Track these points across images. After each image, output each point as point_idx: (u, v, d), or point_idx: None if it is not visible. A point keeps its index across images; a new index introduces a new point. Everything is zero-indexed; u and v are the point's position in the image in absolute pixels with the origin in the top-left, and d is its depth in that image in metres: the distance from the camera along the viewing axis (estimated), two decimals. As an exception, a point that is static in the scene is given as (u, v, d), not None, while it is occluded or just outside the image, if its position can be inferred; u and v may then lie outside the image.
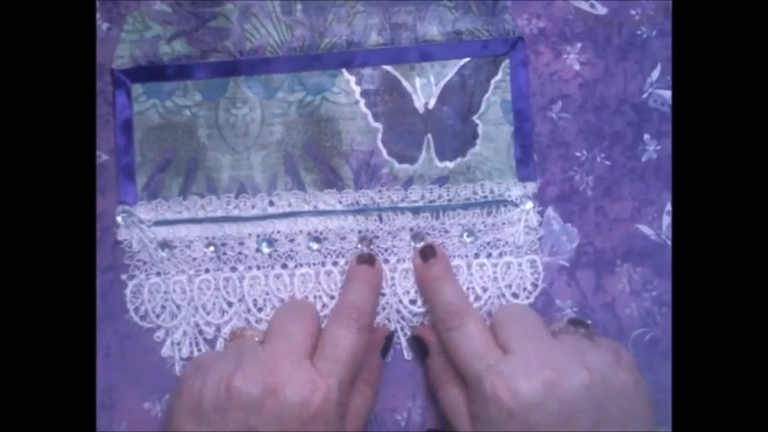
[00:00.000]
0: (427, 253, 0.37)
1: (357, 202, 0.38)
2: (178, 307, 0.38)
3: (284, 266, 0.38)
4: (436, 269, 0.37)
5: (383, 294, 0.38)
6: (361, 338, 0.35)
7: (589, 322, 0.35)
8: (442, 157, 0.39)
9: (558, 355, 0.32)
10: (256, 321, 0.38)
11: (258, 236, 0.38)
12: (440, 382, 0.36)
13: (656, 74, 0.39)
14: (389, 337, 0.37)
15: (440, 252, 0.37)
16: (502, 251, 0.38)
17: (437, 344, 0.36)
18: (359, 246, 0.38)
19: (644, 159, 0.39)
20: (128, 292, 0.38)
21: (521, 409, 0.31)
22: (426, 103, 0.39)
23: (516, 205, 0.38)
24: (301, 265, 0.38)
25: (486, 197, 0.38)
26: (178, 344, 0.38)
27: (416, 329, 0.37)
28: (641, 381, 0.33)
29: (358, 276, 0.37)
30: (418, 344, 0.37)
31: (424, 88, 0.39)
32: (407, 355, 0.38)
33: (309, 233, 0.38)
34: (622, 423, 0.31)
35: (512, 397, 0.31)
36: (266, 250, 0.38)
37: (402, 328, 0.38)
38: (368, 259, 0.37)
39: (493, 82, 0.39)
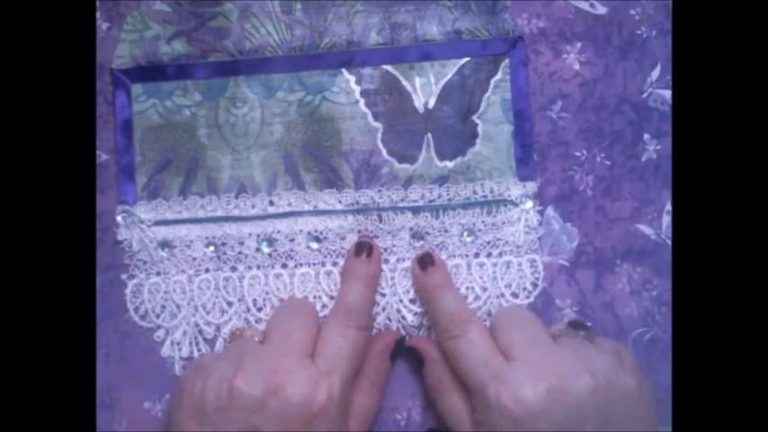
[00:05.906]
0: (426, 261, 0.37)
1: (357, 202, 0.38)
2: (178, 307, 0.38)
3: (284, 266, 0.38)
4: (435, 278, 0.37)
5: (383, 295, 0.38)
6: (360, 336, 0.35)
7: (589, 324, 0.35)
8: (441, 157, 0.39)
9: (562, 361, 0.32)
10: (256, 321, 0.38)
11: (258, 235, 0.38)
12: (438, 390, 0.36)
13: (656, 73, 0.39)
14: (400, 341, 0.37)
15: (438, 260, 0.37)
16: (502, 250, 0.38)
17: (433, 353, 0.36)
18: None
19: (644, 159, 0.39)
20: (128, 291, 0.38)
21: (526, 416, 0.31)
22: (426, 103, 0.39)
23: (516, 205, 0.38)
24: (301, 264, 0.38)
25: (485, 196, 0.38)
26: (178, 343, 0.38)
27: (411, 340, 0.37)
28: (643, 383, 0.33)
29: (355, 273, 0.36)
30: (414, 355, 0.37)
31: (424, 88, 0.39)
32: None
33: (309, 233, 0.38)
34: (626, 426, 0.31)
35: (517, 404, 0.31)
36: (266, 250, 0.38)
37: (404, 327, 0.38)
38: (367, 248, 0.37)
39: (493, 81, 0.39)
